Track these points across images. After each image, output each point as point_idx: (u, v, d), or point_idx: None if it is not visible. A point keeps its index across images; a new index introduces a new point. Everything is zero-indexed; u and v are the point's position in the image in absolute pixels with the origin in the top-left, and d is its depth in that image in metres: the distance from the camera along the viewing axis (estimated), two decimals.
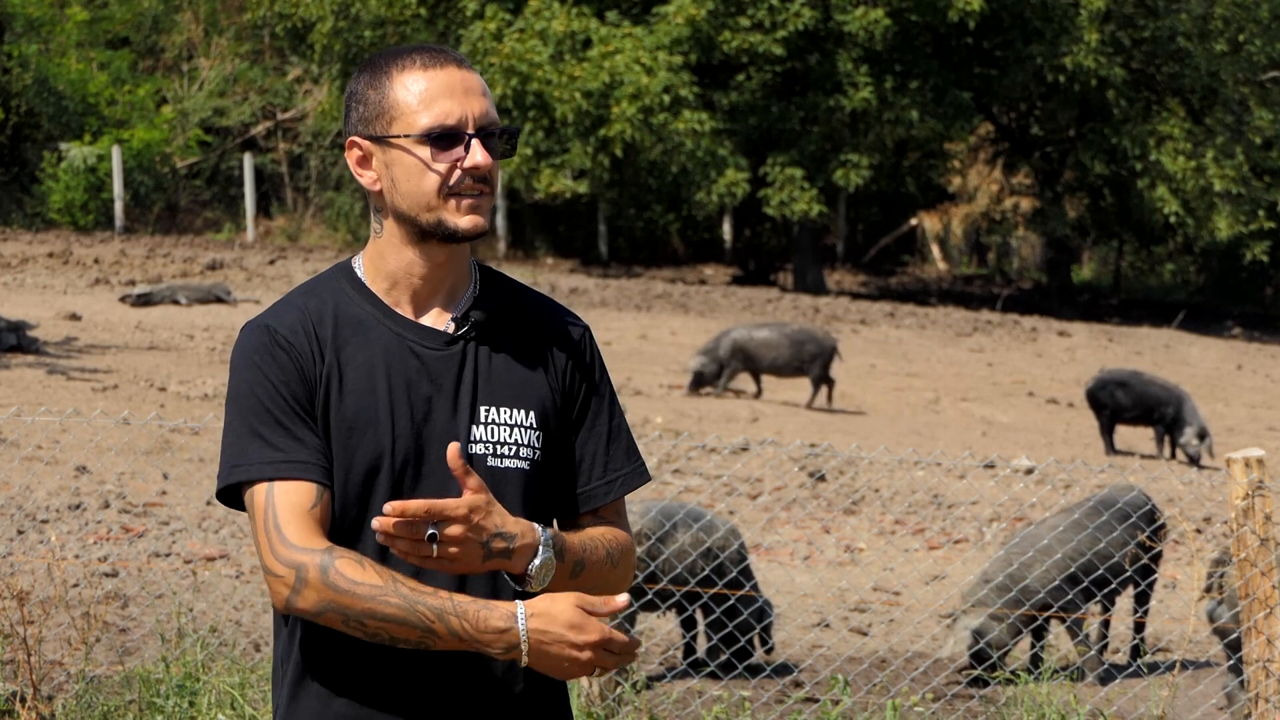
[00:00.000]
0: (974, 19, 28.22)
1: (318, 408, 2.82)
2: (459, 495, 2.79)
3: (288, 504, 2.78)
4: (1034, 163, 32.34)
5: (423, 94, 2.82)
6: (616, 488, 2.96)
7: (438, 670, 2.82)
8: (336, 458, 2.81)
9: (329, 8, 29.21)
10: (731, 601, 8.01)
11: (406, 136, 2.82)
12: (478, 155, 2.81)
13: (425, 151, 2.81)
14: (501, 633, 2.71)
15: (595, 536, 2.90)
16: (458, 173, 2.81)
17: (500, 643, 2.71)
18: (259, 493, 2.79)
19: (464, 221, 2.83)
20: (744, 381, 17.83)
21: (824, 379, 17.08)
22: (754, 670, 7.99)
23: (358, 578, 2.73)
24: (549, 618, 2.72)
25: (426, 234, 2.84)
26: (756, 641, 8.31)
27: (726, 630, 8.02)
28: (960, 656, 8.02)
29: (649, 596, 7.71)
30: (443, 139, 2.81)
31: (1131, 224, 32.38)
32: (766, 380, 17.77)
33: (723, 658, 8.01)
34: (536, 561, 2.76)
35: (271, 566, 2.76)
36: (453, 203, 2.82)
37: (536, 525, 2.79)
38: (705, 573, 7.84)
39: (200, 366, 15.77)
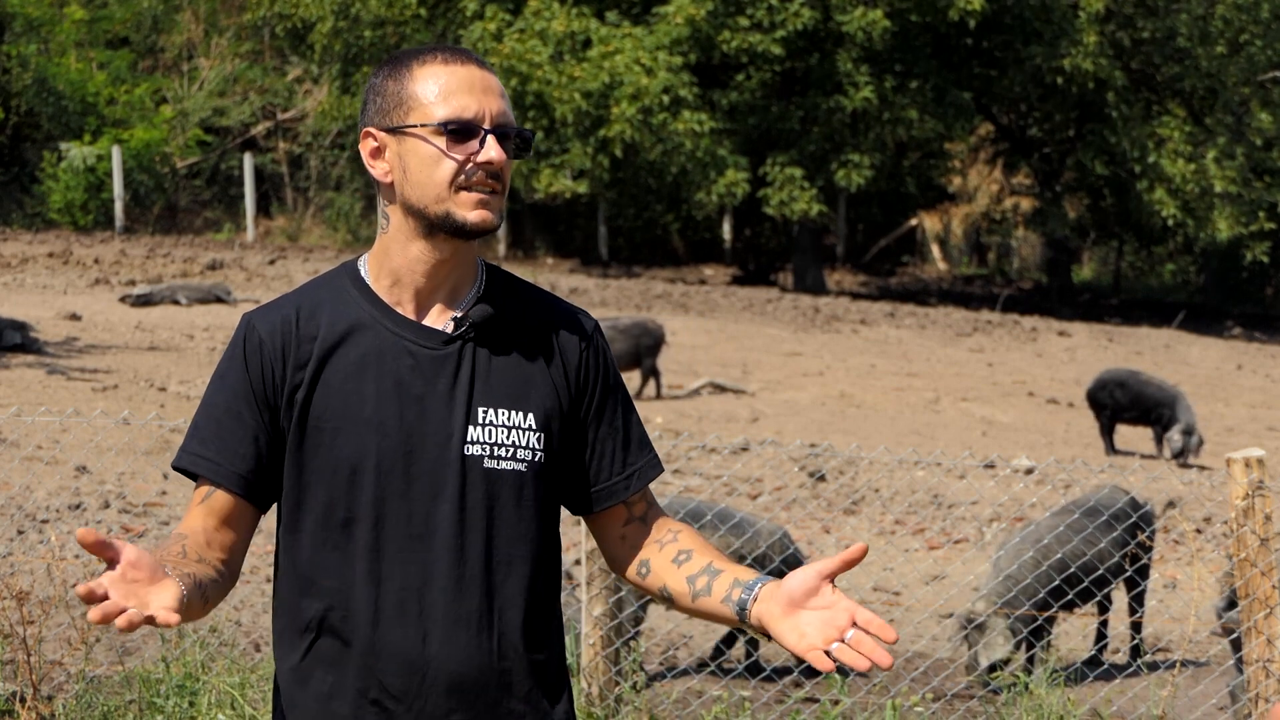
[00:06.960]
0: (975, 18, 28.22)
1: (290, 408, 2.83)
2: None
3: (193, 503, 2.85)
4: (1034, 163, 32.34)
5: (443, 87, 2.83)
6: (635, 480, 2.98)
7: (428, 670, 2.81)
8: (320, 455, 2.82)
9: (329, 8, 29.22)
10: None
11: (424, 126, 2.82)
12: (492, 151, 2.81)
13: (441, 141, 2.82)
14: None
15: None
16: (471, 165, 2.82)
17: None
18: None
19: (473, 215, 2.82)
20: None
21: (655, 369, 16.66)
22: (754, 670, 7.99)
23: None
24: None
25: (434, 227, 2.84)
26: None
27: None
28: (1008, 659, 7.94)
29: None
30: (459, 132, 2.81)
31: (1131, 224, 32.39)
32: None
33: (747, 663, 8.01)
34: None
35: None
36: (463, 195, 2.82)
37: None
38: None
39: (200, 366, 15.77)
